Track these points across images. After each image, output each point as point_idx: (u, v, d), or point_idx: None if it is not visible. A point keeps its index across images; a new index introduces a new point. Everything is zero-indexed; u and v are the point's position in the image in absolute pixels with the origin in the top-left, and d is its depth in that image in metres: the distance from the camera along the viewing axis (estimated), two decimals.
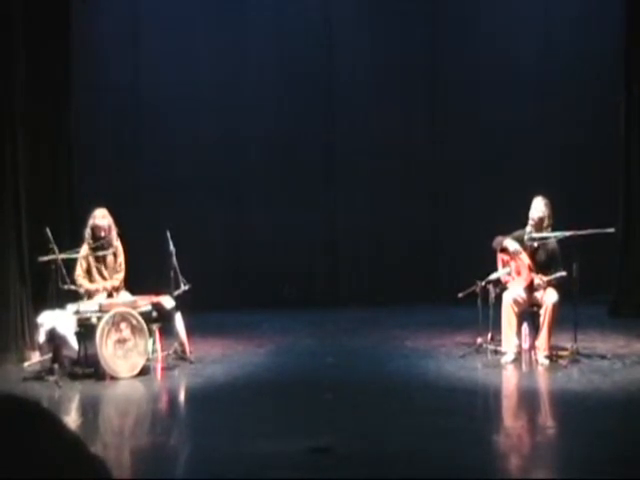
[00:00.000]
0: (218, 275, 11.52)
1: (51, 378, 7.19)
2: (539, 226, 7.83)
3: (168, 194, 11.52)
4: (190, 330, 8.13)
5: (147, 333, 7.44)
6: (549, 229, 7.84)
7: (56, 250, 7.54)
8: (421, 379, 7.33)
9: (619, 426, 5.95)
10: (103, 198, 8.46)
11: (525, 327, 7.98)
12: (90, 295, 7.86)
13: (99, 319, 7.34)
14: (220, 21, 11.81)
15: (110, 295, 7.91)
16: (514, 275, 7.87)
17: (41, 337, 7.42)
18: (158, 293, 7.89)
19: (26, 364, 7.84)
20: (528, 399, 6.87)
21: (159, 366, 7.84)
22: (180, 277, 8.07)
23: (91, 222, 7.92)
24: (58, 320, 7.35)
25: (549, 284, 7.72)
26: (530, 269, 7.73)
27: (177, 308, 7.90)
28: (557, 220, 7.91)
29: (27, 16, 8.88)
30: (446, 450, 5.29)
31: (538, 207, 7.86)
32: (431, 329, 9.66)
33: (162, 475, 5.04)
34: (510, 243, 7.78)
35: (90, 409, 6.69)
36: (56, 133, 9.55)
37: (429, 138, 12.14)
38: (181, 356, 8.04)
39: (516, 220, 7.97)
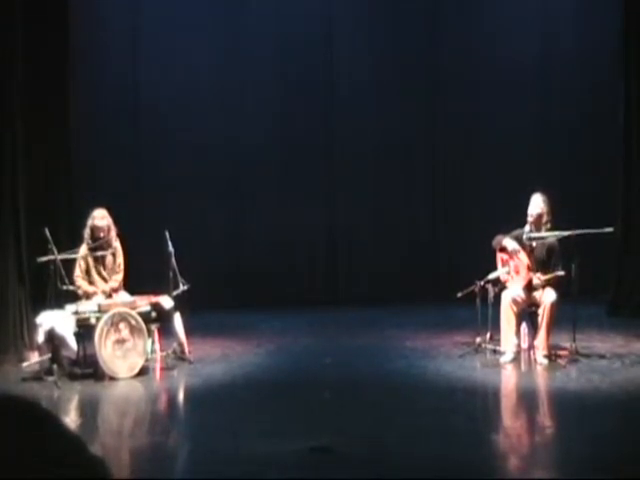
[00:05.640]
0: (217, 275, 11.51)
1: (50, 378, 7.18)
2: (537, 223, 7.82)
3: (168, 194, 11.52)
4: (189, 330, 8.13)
5: (146, 333, 7.44)
6: (548, 226, 7.83)
7: (55, 250, 7.53)
8: (420, 379, 7.33)
9: (618, 426, 5.95)
10: (102, 198, 8.45)
11: (524, 327, 7.99)
12: (88, 296, 7.85)
13: (98, 319, 7.34)
14: (220, 20, 11.82)
15: (109, 295, 7.91)
16: (513, 274, 7.86)
17: (40, 337, 7.41)
18: (157, 293, 7.89)
19: (25, 364, 7.83)
20: (527, 399, 6.87)
21: (158, 366, 7.84)
22: (179, 277, 8.07)
23: (90, 222, 7.91)
24: (57, 320, 7.34)
25: (547, 284, 7.72)
26: (529, 268, 7.73)
27: (176, 308, 7.89)
28: (556, 220, 7.91)
29: (27, 16, 8.88)
30: (445, 450, 5.29)
31: (536, 203, 7.85)
32: (430, 329, 9.66)
33: (161, 475, 5.04)
34: (509, 242, 7.78)
35: (89, 409, 6.68)
36: (56, 133, 9.55)
37: (429, 138, 12.15)
38: (180, 356, 8.04)
39: (516, 220, 7.96)
